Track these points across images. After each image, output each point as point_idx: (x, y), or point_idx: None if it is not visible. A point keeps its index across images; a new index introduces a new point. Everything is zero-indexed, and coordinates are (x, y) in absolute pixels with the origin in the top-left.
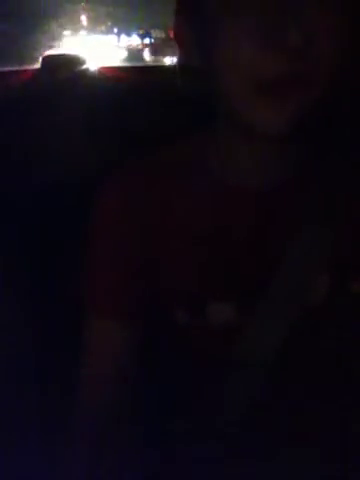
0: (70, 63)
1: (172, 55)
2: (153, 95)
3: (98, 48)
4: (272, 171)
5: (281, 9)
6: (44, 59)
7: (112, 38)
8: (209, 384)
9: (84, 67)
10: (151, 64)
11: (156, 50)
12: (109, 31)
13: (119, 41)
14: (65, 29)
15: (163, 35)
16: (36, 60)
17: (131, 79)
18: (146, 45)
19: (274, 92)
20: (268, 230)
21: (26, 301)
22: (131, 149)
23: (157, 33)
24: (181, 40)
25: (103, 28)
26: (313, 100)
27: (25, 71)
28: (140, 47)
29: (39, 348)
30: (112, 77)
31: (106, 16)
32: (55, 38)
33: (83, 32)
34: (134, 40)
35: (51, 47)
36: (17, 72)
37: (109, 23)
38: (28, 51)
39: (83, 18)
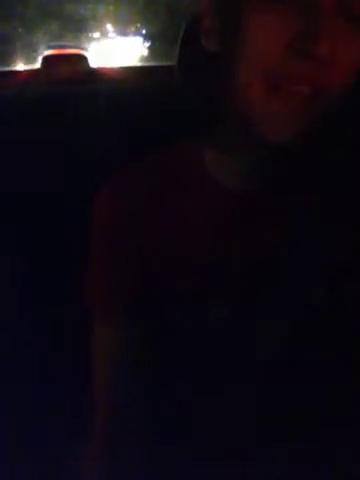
0: (71, 63)
1: None
2: (153, 95)
3: (118, 50)
4: (268, 171)
5: (317, 15)
6: (44, 59)
7: (137, 40)
8: (208, 383)
9: (87, 68)
10: (151, 64)
11: None
12: (137, 33)
13: (144, 43)
14: (94, 31)
15: None
16: (36, 60)
17: (131, 79)
18: None
19: (287, 95)
20: (264, 231)
21: (27, 301)
22: (131, 150)
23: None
24: (205, 24)
25: (133, 29)
26: (324, 110)
27: (25, 71)
28: None
29: (41, 348)
30: (111, 77)
31: (135, 17)
32: (55, 37)
33: (112, 34)
34: None
35: (51, 47)
36: (17, 72)
37: (138, 24)
38: (28, 51)
39: (111, 19)
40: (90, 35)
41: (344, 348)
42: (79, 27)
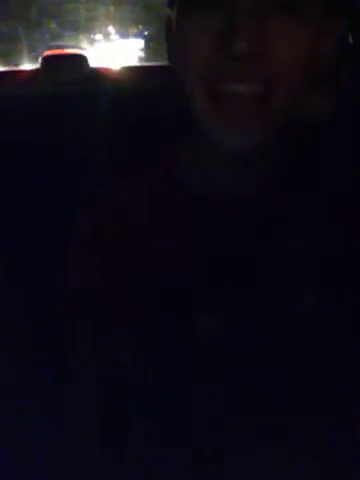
0: (71, 63)
1: None
2: (153, 96)
3: (119, 52)
4: (249, 177)
5: (234, 13)
6: (44, 59)
7: (139, 42)
8: (199, 394)
9: (87, 68)
10: (151, 64)
11: None
12: (139, 34)
13: (145, 44)
14: (96, 33)
15: None
16: (36, 60)
17: (131, 79)
18: None
19: (229, 104)
20: (253, 238)
21: (26, 301)
22: (130, 149)
23: None
24: (168, 44)
25: (135, 31)
26: (275, 114)
27: (25, 71)
28: None
29: (39, 348)
30: (111, 77)
31: (135, 19)
32: (55, 38)
33: (114, 36)
34: None
35: (51, 47)
36: (17, 72)
37: (140, 26)
38: (28, 51)
39: (112, 20)
40: (92, 36)
41: (341, 351)
42: (79, 29)
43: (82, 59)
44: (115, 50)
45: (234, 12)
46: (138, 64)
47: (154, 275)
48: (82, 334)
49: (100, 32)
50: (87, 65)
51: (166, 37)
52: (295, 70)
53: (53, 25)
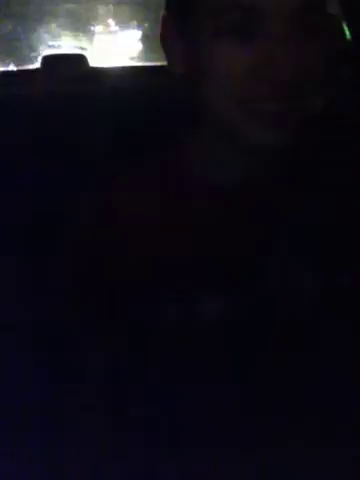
0: (71, 63)
1: None
2: (153, 95)
3: (119, 46)
4: (255, 168)
5: (272, 36)
6: (44, 59)
7: (137, 33)
8: (200, 381)
9: (87, 67)
10: (151, 64)
11: None
12: (139, 28)
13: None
14: (95, 30)
15: None
16: (36, 60)
17: (131, 79)
18: None
19: (259, 111)
20: (252, 226)
21: (26, 300)
22: (131, 149)
23: None
24: (168, 47)
25: (135, 24)
26: (299, 115)
27: (25, 71)
28: None
29: (39, 347)
30: (111, 77)
31: (134, 15)
32: (55, 37)
33: (114, 28)
34: None
35: (51, 47)
36: (17, 72)
37: (140, 23)
38: (28, 51)
39: (112, 15)
40: (92, 29)
41: (336, 341)
42: (78, 26)
43: (82, 59)
44: (115, 44)
45: (275, 40)
46: (139, 64)
47: (156, 266)
48: (83, 330)
49: (99, 24)
50: (87, 65)
51: (163, 44)
52: (316, 79)
53: (53, 25)
